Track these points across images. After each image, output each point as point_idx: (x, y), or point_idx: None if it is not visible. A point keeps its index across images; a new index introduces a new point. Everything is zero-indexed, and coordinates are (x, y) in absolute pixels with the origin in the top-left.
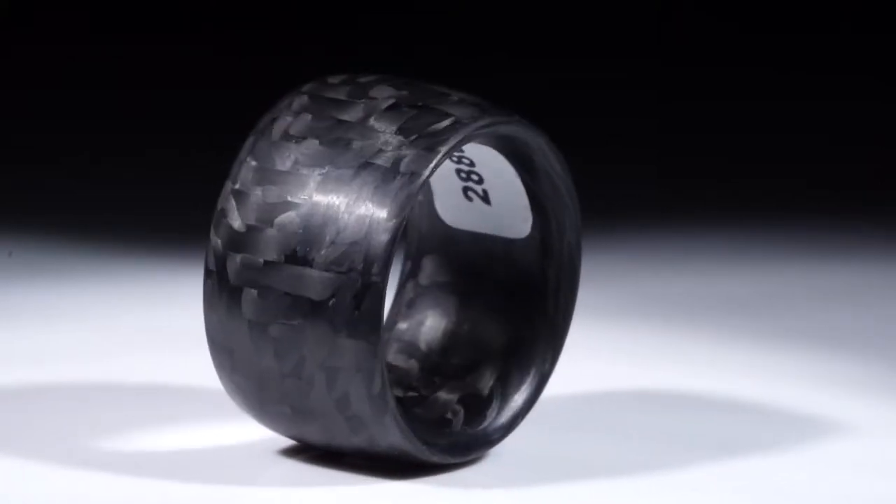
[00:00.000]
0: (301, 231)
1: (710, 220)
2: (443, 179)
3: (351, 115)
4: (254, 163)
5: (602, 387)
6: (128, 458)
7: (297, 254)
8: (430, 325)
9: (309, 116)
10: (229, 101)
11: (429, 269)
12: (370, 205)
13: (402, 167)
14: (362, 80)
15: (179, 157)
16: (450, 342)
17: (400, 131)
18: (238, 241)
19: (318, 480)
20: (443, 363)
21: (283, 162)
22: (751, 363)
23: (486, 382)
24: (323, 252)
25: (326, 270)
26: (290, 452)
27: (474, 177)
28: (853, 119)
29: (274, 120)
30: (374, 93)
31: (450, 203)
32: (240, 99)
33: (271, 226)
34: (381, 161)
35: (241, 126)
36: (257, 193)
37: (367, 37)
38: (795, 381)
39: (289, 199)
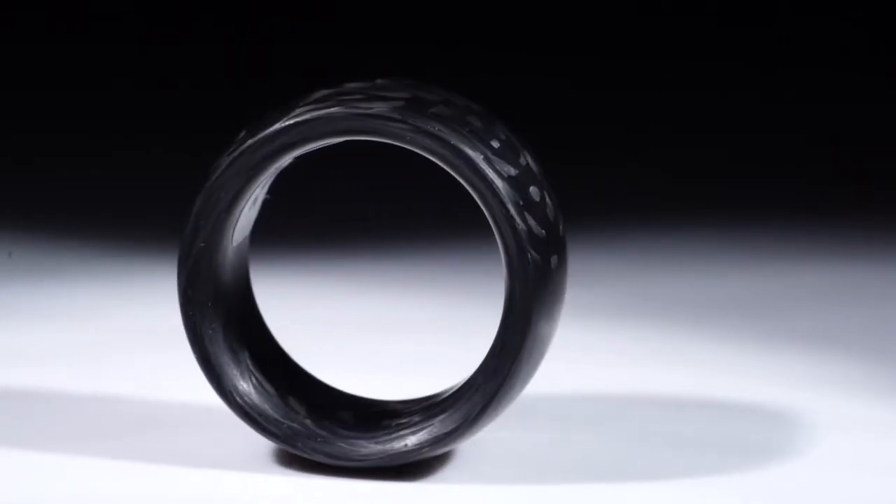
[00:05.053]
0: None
1: (710, 220)
2: (256, 201)
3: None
4: (506, 177)
5: (600, 387)
6: (125, 458)
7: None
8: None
9: (445, 127)
10: (226, 102)
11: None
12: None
13: (499, 135)
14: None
15: (180, 157)
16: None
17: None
18: (551, 241)
19: (311, 481)
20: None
21: (498, 163)
22: (750, 363)
23: None
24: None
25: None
26: (285, 452)
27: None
28: (854, 119)
29: (472, 133)
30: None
31: (242, 223)
32: (238, 99)
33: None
34: (491, 135)
35: (238, 126)
36: (529, 199)
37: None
38: (795, 381)
39: (534, 187)
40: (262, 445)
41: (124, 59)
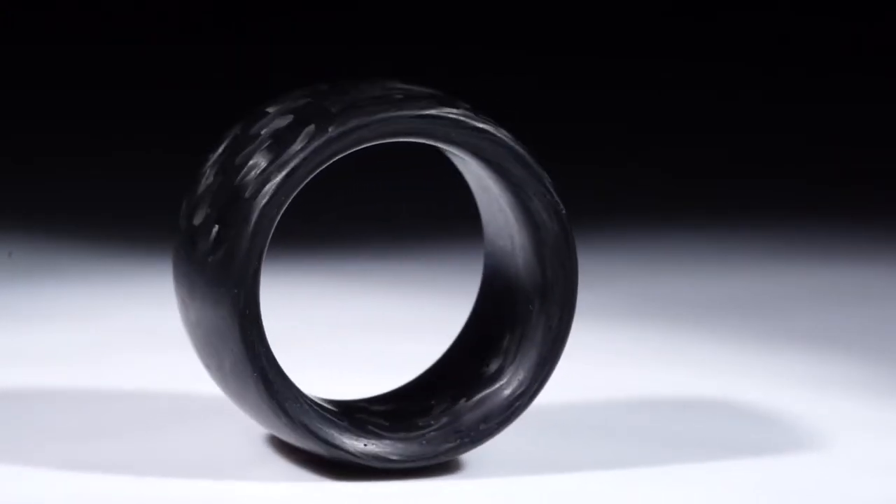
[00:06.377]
0: None
1: (710, 221)
2: None
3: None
4: (540, 163)
5: (600, 388)
6: (125, 458)
7: None
8: None
9: None
10: (226, 102)
11: None
12: None
13: None
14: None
15: (180, 157)
16: None
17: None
18: None
19: (310, 479)
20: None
21: (530, 151)
22: (750, 364)
23: None
24: None
25: None
26: (284, 451)
27: None
28: (854, 119)
29: (498, 124)
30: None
31: None
32: (238, 99)
33: None
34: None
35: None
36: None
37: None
38: (795, 381)
39: None
40: (264, 445)
41: (124, 59)
